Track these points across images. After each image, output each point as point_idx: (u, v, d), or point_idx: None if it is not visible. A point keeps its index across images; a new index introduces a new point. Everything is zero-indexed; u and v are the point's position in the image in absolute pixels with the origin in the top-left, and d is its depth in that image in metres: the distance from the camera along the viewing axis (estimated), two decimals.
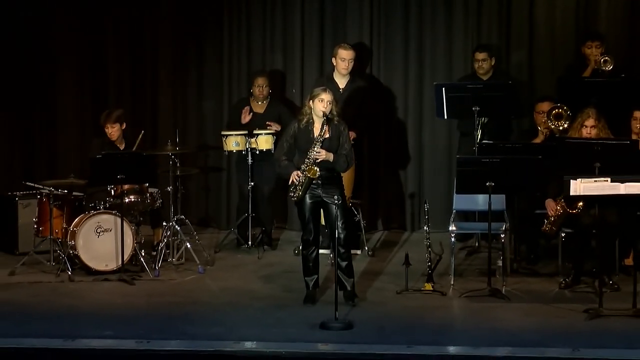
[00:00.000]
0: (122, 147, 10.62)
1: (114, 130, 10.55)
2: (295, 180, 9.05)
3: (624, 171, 8.86)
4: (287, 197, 11.88)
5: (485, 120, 10.76)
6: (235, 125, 11.21)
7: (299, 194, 9.05)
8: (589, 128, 9.67)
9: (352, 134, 10.75)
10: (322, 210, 9.18)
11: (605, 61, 10.71)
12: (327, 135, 9.04)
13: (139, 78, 12.41)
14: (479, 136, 10.67)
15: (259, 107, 11.29)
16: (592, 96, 10.19)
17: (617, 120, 10.21)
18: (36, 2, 12.21)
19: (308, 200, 9.07)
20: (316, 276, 9.22)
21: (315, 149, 8.98)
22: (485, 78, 11.17)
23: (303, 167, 9.00)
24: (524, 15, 11.88)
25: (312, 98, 9.09)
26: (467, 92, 10.55)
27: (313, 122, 9.10)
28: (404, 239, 11.76)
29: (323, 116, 9.00)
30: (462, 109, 10.52)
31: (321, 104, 9.02)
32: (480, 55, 11.20)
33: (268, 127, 11.08)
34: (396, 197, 12.15)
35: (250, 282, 9.96)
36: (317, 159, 8.97)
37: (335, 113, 9.10)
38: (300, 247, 9.39)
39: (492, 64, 11.22)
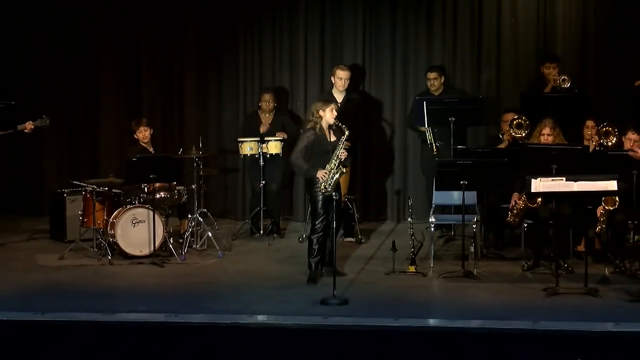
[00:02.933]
0: (151, 150, 10.62)
1: (146, 133, 10.56)
2: (322, 178, 9.02)
3: (576, 172, 8.86)
4: (292, 192, 12.05)
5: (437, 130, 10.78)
6: (248, 133, 11.22)
7: (326, 188, 9.01)
8: (546, 135, 9.69)
9: (347, 144, 10.78)
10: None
11: (563, 80, 10.72)
12: (334, 139, 9.08)
13: (167, 93, 12.40)
14: (431, 143, 10.76)
15: (267, 118, 11.28)
16: (549, 108, 10.20)
17: (571, 128, 10.21)
18: (82, 25, 12.20)
19: (323, 195, 9.04)
20: (319, 257, 9.18)
21: (341, 150, 9.01)
22: (437, 94, 11.13)
23: (330, 166, 9.01)
24: (492, 40, 11.88)
25: (323, 109, 9.10)
26: (444, 105, 10.57)
27: (323, 129, 9.11)
28: (391, 228, 11.74)
29: (334, 123, 9.05)
30: (439, 119, 10.52)
31: (332, 114, 9.07)
32: (432, 75, 11.17)
33: (277, 135, 11.10)
34: (385, 193, 12.14)
35: (262, 265, 9.94)
36: (342, 158, 9.01)
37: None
38: (310, 232, 9.31)
39: (442, 81, 11.18)
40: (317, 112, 9.12)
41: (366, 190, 12.07)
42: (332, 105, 9.13)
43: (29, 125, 10.45)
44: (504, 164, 9.29)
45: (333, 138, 9.16)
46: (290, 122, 11.41)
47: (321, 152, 9.08)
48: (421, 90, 11.65)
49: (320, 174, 9.01)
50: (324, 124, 9.12)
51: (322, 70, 11.97)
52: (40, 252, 10.41)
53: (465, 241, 9.56)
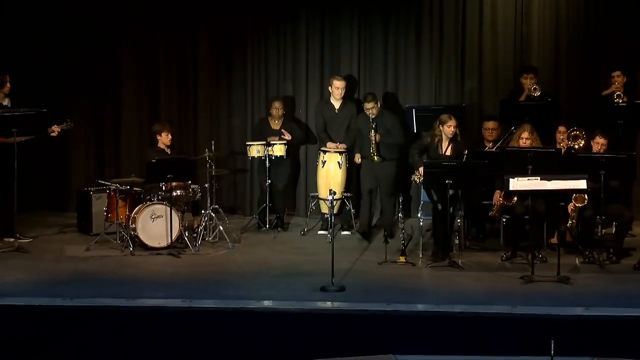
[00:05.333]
0: (168, 152, 10.65)
1: (169, 137, 10.59)
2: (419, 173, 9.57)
3: (550, 172, 8.91)
4: (296, 190, 12.05)
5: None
6: (257, 137, 11.25)
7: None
8: (525, 139, 9.70)
9: (343, 145, 10.82)
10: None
11: (534, 89, 10.76)
12: (449, 153, 9.49)
13: (183, 100, 12.39)
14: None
15: (275, 124, 11.29)
16: (526, 115, 10.23)
17: (545, 133, 10.24)
18: (105, 35, 12.19)
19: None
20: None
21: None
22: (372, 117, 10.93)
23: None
24: (475, 53, 11.87)
25: (442, 124, 9.49)
26: (432, 112, 10.59)
27: (442, 140, 9.51)
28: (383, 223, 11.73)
29: (451, 135, 9.51)
30: (427, 125, 10.53)
31: (449, 129, 9.48)
32: (369, 105, 10.73)
33: (282, 136, 11.11)
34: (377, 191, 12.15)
35: (268, 256, 9.98)
36: None
37: (458, 133, 9.54)
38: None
39: (379, 107, 10.79)
40: (439, 126, 9.53)
41: (360, 188, 12.05)
42: (451, 122, 9.47)
43: (55, 129, 10.52)
44: (485, 165, 9.33)
45: (449, 152, 9.51)
46: (297, 128, 11.46)
47: (432, 159, 9.48)
48: (411, 97, 11.69)
49: (421, 169, 9.41)
50: (444, 136, 9.51)
51: (321, 80, 11.95)
52: (69, 244, 10.44)
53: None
